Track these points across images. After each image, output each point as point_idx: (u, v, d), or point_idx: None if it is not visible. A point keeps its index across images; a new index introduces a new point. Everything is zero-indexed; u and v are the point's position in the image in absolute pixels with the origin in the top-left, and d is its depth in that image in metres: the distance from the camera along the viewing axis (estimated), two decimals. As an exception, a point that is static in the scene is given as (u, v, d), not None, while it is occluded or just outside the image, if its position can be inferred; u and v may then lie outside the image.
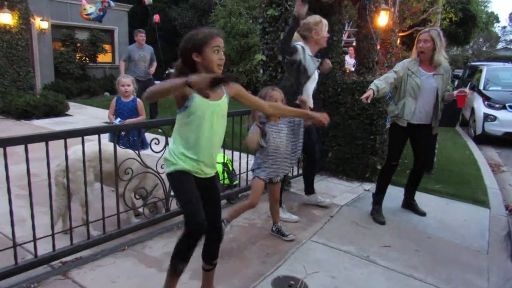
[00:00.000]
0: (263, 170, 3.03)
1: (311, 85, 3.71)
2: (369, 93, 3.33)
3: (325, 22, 3.64)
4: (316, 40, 3.61)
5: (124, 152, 3.08)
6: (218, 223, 2.19)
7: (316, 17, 3.66)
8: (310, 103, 3.65)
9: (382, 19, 5.61)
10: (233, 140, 3.86)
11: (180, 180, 2.01)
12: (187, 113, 1.95)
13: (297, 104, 3.28)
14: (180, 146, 2.01)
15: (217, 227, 2.18)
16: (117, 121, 3.97)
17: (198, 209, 1.96)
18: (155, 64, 7.59)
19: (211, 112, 1.97)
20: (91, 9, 8.72)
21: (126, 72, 6.97)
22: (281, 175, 3.14)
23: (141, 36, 7.32)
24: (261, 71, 4.35)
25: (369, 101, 3.34)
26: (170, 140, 2.12)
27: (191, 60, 1.94)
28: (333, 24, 5.12)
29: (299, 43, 3.58)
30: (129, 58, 7.31)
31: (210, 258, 2.24)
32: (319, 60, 3.74)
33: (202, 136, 1.98)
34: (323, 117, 2.48)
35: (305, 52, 3.55)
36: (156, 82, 3.83)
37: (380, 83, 3.42)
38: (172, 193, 3.13)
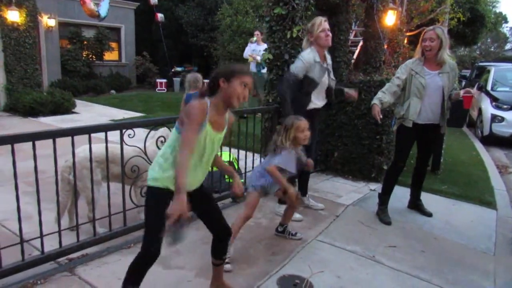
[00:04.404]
0: (263, 183, 2.92)
1: (320, 92, 3.60)
2: (376, 110, 3.40)
3: (318, 21, 3.44)
4: (315, 43, 3.46)
5: (132, 150, 3.08)
6: (223, 222, 2.20)
7: (314, 19, 3.49)
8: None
9: (390, 19, 5.56)
10: (239, 139, 3.86)
11: (157, 201, 1.96)
12: None
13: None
14: (170, 164, 1.94)
15: (225, 226, 2.20)
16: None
17: (160, 239, 1.93)
18: None
19: (212, 140, 1.99)
20: (95, 6, 8.69)
21: None
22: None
23: None
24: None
25: (381, 117, 3.41)
26: (159, 152, 2.05)
27: (217, 85, 1.96)
28: (340, 23, 5.10)
29: (302, 57, 3.45)
30: None
31: (221, 254, 2.26)
32: (328, 65, 3.59)
33: (194, 160, 1.95)
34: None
35: (310, 63, 3.41)
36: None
37: (384, 96, 3.47)
38: None
